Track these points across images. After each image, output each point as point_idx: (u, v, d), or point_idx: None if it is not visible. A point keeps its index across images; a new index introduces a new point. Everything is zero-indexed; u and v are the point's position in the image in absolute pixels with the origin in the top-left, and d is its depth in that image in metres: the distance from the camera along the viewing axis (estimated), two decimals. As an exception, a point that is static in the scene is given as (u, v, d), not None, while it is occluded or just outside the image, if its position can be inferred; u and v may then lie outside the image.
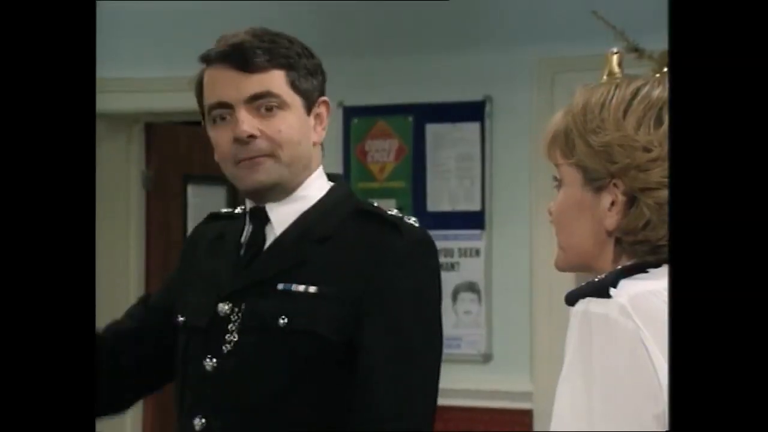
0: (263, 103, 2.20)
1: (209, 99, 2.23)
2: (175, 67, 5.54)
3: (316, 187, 2.28)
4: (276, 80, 2.21)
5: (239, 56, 2.19)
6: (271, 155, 2.20)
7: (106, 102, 5.02)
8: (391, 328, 2.14)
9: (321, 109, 2.27)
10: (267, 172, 2.21)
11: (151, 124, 5.94)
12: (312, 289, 2.16)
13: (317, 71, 2.27)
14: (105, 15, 4.09)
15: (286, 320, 2.15)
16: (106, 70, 4.52)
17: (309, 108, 2.25)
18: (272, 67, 2.21)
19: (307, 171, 2.26)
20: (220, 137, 2.22)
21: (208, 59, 2.24)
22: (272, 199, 2.25)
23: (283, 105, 2.21)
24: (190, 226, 5.79)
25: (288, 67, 2.22)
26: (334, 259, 2.19)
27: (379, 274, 2.15)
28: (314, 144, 2.28)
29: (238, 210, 2.36)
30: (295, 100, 2.23)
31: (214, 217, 2.43)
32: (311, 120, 2.26)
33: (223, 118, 2.22)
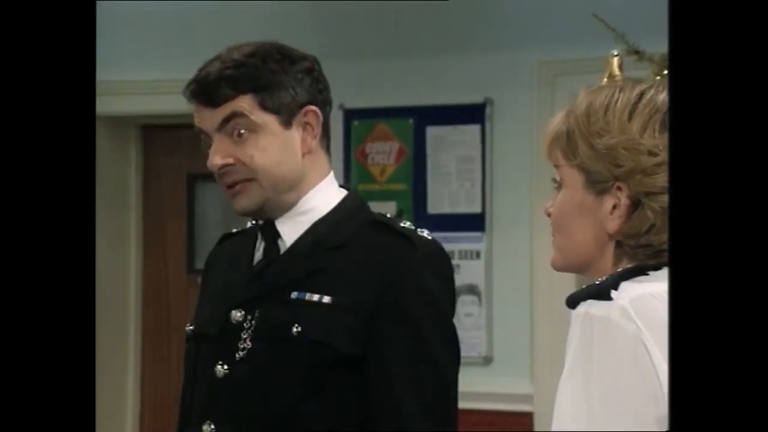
0: (233, 125, 2.19)
1: (196, 125, 2.26)
2: (174, 70, 5.52)
3: (322, 199, 2.25)
4: (242, 103, 2.19)
5: (203, 93, 2.20)
6: (252, 179, 2.20)
7: (105, 104, 5.02)
8: (409, 336, 2.15)
9: (309, 119, 2.23)
10: (249, 197, 2.21)
11: (151, 126, 5.93)
12: (326, 299, 2.16)
13: (303, 78, 2.23)
14: (105, 17, 4.09)
15: (299, 329, 2.15)
16: (105, 72, 4.52)
17: (288, 122, 2.21)
18: (237, 94, 2.19)
19: (303, 185, 2.23)
20: (209, 162, 2.25)
21: (186, 95, 2.26)
22: (275, 216, 2.24)
23: (254, 128, 2.19)
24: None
25: (254, 90, 2.19)
26: (347, 269, 2.19)
27: (393, 285, 2.15)
28: (304, 156, 2.23)
29: (248, 225, 2.36)
30: (267, 120, 2.20)
31: (226, 237, 2.43)
32: (296, 132, 2.22)
33: (209, 146, 2.23)
